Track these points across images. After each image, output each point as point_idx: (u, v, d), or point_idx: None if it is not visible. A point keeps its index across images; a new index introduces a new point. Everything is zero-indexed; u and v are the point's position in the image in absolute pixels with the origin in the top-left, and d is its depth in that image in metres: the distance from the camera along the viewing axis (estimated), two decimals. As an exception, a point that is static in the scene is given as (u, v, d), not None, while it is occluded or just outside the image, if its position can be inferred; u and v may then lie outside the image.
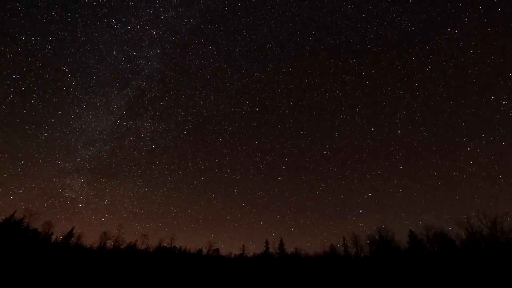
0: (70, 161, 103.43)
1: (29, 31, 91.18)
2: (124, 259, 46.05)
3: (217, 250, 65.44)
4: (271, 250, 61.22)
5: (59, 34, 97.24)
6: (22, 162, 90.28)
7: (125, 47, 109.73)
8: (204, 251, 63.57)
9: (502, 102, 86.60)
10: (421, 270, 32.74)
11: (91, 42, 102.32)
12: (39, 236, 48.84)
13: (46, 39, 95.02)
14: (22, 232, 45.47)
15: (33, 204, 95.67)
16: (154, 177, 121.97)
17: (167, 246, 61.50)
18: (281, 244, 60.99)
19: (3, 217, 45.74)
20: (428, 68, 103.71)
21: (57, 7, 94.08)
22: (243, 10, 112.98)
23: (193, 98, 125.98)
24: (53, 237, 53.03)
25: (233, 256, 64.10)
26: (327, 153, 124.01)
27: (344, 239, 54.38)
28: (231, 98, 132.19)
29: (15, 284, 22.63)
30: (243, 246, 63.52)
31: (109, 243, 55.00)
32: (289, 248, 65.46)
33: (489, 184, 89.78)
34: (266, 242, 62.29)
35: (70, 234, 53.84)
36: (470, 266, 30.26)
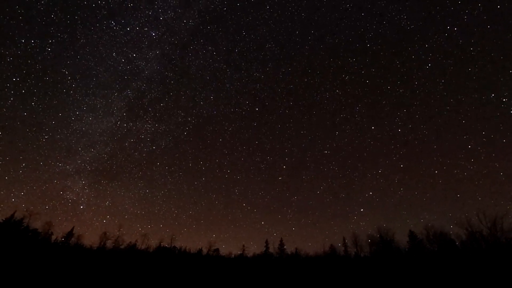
0: (71, 163, 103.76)
1: (28, 34, 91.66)
2: (124, 259, 46.05)
3: (217, 250, 65.46)
4: (271, 250, 61.31)
5: (59, 36, 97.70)
6: (23, 164, 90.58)
7: (125, 48, 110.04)
8: (204, 251, 63.63)
9: (503, 99, 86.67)
10: (421, 270, 32.73)
11: (90, 44, 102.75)
12: (39, 236, 48.86)
13: (45, 42, 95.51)
14: (22, 232, 45.49)
15: (35, 206, 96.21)
16: (155, 178, 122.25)
17: (167, 246, 61.56)
18: (281, 244, 61.00)
19: (3, 217, 45.81)
20: (428, 66, 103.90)
21: (56, 10, 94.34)
22: (242, 10, 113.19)
23: (193, 99, 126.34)
24: (53, 237, 53.13)
25: (233, 256, 64.17)
26: (327, 152, 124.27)
27: (344, 239, 54.42)
28: (231, 99, 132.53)
29: (15, 284, 22.63)
30: (243, 246, 63.59)
31: (109, 243, 55.13)
32: (290, 248, 65.65)
33: (490, 181, 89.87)
34: (266, 242, 62.37)
35: (70, 234, 53.87)
36: (470, 266, 30.24)
